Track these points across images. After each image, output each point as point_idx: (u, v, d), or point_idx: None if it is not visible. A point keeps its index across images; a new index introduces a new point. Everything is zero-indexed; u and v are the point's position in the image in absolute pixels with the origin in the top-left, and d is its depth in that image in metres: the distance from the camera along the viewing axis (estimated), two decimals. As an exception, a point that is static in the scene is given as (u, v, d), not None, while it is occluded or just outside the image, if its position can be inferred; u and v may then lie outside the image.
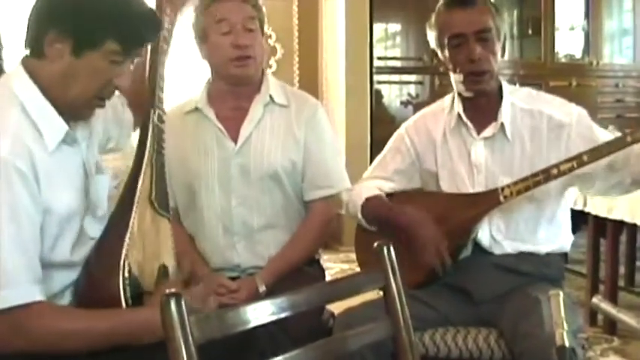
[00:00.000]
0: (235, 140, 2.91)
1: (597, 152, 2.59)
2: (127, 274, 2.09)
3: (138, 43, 2.16)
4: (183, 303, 1.40)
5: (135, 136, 2.54)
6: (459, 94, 2.84)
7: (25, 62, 2.11)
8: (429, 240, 2.68)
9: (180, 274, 2.30)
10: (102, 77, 2.11)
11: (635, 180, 2.66)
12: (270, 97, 2.95)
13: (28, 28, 2.10)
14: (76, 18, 2.05)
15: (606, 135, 2.73)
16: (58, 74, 2.07)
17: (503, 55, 2.79)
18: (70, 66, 2.06)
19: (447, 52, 2.77)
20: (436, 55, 2.87)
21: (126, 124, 2.52)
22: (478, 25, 2.71)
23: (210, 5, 2.86)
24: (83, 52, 2.05)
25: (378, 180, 2.98)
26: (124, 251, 2.11)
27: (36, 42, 2.08)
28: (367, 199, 2.87)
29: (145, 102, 2.42)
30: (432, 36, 2.84)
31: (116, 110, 2.45)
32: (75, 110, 2.15)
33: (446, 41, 2.75)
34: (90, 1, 2.08)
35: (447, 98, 2.95)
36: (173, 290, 1.42)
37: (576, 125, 2.74)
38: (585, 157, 2.59)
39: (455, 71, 2.77)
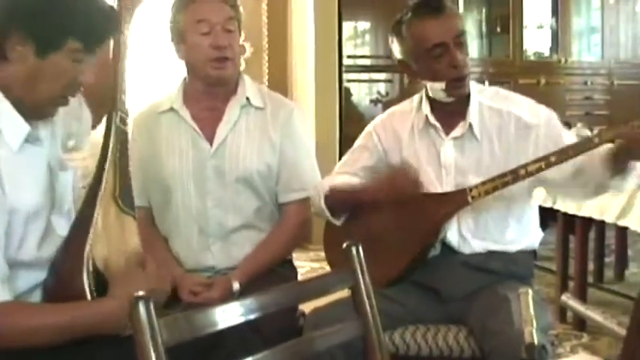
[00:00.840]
0: (211, 141, 2.90)
1: (565, 153, 2.60)
2: (90, 268, 2.09)
3: (99, 39, 2.15)
4: (151, 305, 1.39)
5: (94, 134, 2.54)
6: (428, 97, 2.84)
7: None
8: (391, 180, 2.68)
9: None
10: (67, 76, 2.11)
11: (599, 184, 2.67)
12: (247, 98, 2.93)
13: None
14: (36, 20, 2.03)
15: (573, 140, 2.74)
16: (23, 76, 2.06)
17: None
18: (34, 68, 2.05)
19: (425, 63, 2.74)
20: (403, 63, 2.85)
21: (84, 120, 2.50)
22: (455, 30, 2.69)
23: (189, 5, 2.84)
24: (47, 53, 2.04)
25: (345, 175, 2.96)
26: (87, 246, 2.11)
27: None
28: (331, 188, 2.84)
29: (102, 100, 2.41)
30: (402, 48, 2.81)
31: (74, 107, 2.44)
32: (39, 109, 2.15)
33: (425, 52, 2.71)
34: (48, 3, 2.05)
35: (415, 98, 2.93)
36: (141, 292, 1.41)
37: (544, 127, 2.75)
38: (553, 158, 2.60)
39: (435, 79, 2.75)
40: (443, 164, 2.79)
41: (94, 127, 2.57)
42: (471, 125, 2.76)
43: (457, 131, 2.78)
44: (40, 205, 2.12)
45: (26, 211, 2.06)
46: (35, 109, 2.13)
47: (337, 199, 2.82)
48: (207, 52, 2.81)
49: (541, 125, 2.75)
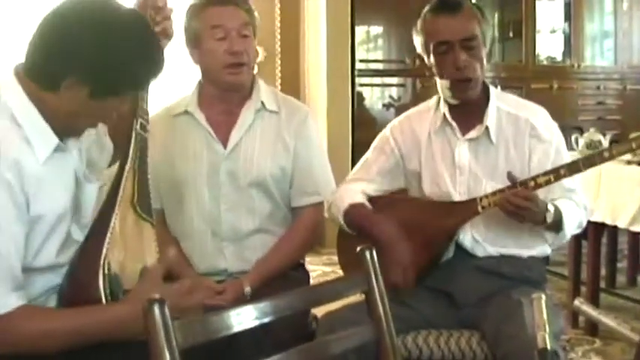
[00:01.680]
0: (225, 145, 2.91)
1: (575, 167, 2.63)
2: (106, 272, 2.09)
3: (147, 86, 2.23)
4: (166, 308, 1.40)
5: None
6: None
7: (21, 79, 2.06)
8: (397, 261, 2.69)
9: (159, 268, 2.25)
10: (111, 113, 2.13)
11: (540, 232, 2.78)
12: (262, 103, 2.94)
13: (40, 57, 2.04)
14: (102, 70, 2.01)
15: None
16: (68, 109, 2.05)
17: (489, 61, 2.80)
18: (83, 105, 2.04)
19: (432, 59, 2.78)
20: (422, 59, 2.87)
21: (106, 152, 2.47)
22: (464, 32, 2.71)
23: (204, 10, 2.85)
24: (102, 97, 2.04)
25: (361, 182, 2.97)
26: (104, 251, 2.11)
27: (51, 78, 2.02)
28: (351, 206, 2.87)
29: (122, 141, 2.42)
30: (418, 41, 2.84)
31: (99, 134, 2.43)
32: (72, 133, 2.15)
33: (432, 48, 2.75)
34: (116, 56, 2.02)
35: (433, 99, 2.95)
36: (156, 295, 1.41)
37: (554, 148, 2.79)
38: (563, 171, 2.63)
39: (441, 77, 2.77)
40: (457, 164, 2.80)
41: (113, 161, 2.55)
42: (487, 129, 2.77)
43: (473, 133, 2.80)
44: (65, 214, 2.12)
45: (51, 219, 2.06)
46: (68, 132, 2.13)
47: (355, 223, 2.87)
48: (222, 57, 2.82)
49: (552, 144, 2.78)
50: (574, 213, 2.72)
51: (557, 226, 2.67)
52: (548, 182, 2.62)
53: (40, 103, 2.05)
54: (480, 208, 2.68)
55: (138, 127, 2.34)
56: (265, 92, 2.98)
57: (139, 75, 2.09)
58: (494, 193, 2.66)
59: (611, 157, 2.62)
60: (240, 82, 2.89)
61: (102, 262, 2.09)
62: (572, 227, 2.72)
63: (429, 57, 2.81)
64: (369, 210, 2.89)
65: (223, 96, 2.93)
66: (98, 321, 2.03)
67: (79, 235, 2.21)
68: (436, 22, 2.75)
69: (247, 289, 2.79)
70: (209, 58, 2.86)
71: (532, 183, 2.62)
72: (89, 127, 2.18)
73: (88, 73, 2.00)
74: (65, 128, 2.11)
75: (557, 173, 2.62)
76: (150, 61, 2.09)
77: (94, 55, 2.00)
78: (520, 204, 2.58)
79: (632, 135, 2.71)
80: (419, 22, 2.82)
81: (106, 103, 2.07)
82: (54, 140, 2.08)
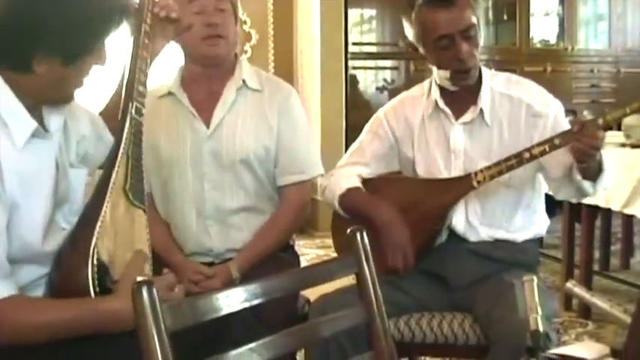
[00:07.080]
0: (208, 124, 2.90)
1: (569, 135, 2.59)
2: (95, 262, 2.05)
3: (116, 31, 2.12)
4: (154, 290, 1.38)
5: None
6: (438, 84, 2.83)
7: None
8: (397, 244, 2.67)
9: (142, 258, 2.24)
10: (91, 70, 2.10)
11: (578, 187, 2.70)
12: (244, 81, 2.93)
13: (4, 41, 2.01)
14: (64, 37, 1.99)
15: None
16: (49, 83, 2.04)
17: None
18: (61, 74, 2.03)
19: (431, 51, 2.74)
20: (412, 45, 2.84)
21: (105, 142, 2.44)
22: (463, 23, 2.67)
23: None
24: (75, 61, 2.03)
25: (357, 166, 2.97)
26: (93, 240, 2.07)
27: (20, 60, 2.01)
28: (347, 190, 2.86)
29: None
30: (412, 32, 2.80)
31: (97, 125, 2.41)
32: (62, 100, 2.14)
33: (431, 42, 2.71)
34: (73, 18, 1.99)
35: (426, 83, 2.93)
36: (145, 278, 1.40)
37: (553, 118, 2.75)
38: (557, 141, 2.59)
39: (440, 67, 2.75)
40: (452, 149, 2.79)
41: None
42: (481, 111, 2.75)
43: (467, 116, 2.78)
44: (43, 202, 2.08)
45: (28, 207, 2.02)
46: (54, 102, 2.13)
47: (351, 207, 2.86)
48: (200, 30, 2.82)
49: (550, 116, 2.74)
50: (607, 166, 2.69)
51: (596, 174, 2.65)
52: (543, 152, 2.59)
53: (16, 87, 2.03)
54: (475, 183, 2.66)
55: (133, 110, 2.29)
56: (248, 71, 2.98)
57: (102, 26, 2.06)
58: (488, 167, 2.65)
59: (606, 124, 2.59)
60: (218, 55, 2.89)
61: (91, 252, 2.05)
62: (608, 177, 2.69)
63: (426, 48, 2.77)
64: (365, 194, 2.87)
65: (205, 74, 2.93)
66: (89, 314, 2.00)
67: (67, 224, 2.17)
68: (434, 17, 2.69)
69: (236, 275, 2.78)
70: (187, 34, 2.85)
71: (527, 154, 2.60)
72: (79, 87, 2.15)
73: (53, 44, 1.99)
74: (55, 99, 2.10)
75: (551, 143, 2.59)
76: (104, 10, 2.07)
77: (53, 24, 1.98)
78: (594, 144, 2.52)
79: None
80: (413, 14, 2.76)
81: (82, 64, 2.06)
82: (31, 124, 2.05)
